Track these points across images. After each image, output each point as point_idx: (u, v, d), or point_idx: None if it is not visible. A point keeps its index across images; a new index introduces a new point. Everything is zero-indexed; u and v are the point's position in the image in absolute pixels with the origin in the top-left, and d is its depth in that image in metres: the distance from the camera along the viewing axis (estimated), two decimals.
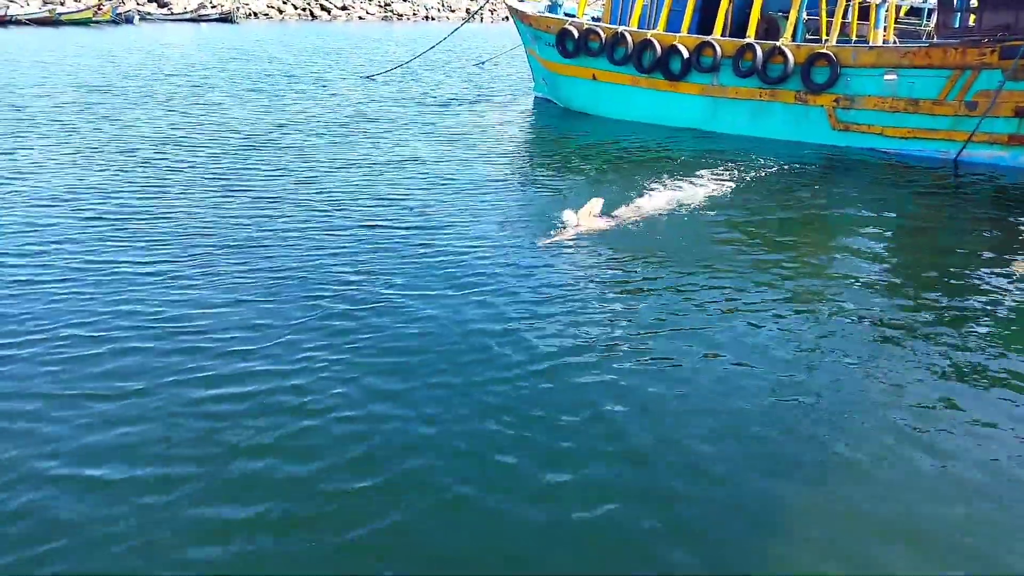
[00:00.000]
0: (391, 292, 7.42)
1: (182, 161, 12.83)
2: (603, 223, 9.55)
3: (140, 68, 25.99)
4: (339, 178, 12.00)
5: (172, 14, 60.56)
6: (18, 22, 50.71)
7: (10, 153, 13.10)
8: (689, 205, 10.91)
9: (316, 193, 11.05)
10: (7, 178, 11.44)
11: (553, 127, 17.97)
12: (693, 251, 8.98)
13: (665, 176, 12.58)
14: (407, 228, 9.52)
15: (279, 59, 30.25)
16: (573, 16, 19.49)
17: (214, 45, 37.06)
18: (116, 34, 46.26)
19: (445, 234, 9.29)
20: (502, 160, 13.97)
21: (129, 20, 55.54)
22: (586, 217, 9.55)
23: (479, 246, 8.86)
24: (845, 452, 5.10)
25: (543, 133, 17.51)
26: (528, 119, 19.22)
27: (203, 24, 57.95)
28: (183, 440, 5.01)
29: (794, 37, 16.17)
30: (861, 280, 8.21)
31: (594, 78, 18.47)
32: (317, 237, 9.07)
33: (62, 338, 6.35)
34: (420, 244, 8.92)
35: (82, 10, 53.02)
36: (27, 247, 8.50)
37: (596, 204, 9.93)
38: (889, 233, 10.47)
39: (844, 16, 16.77)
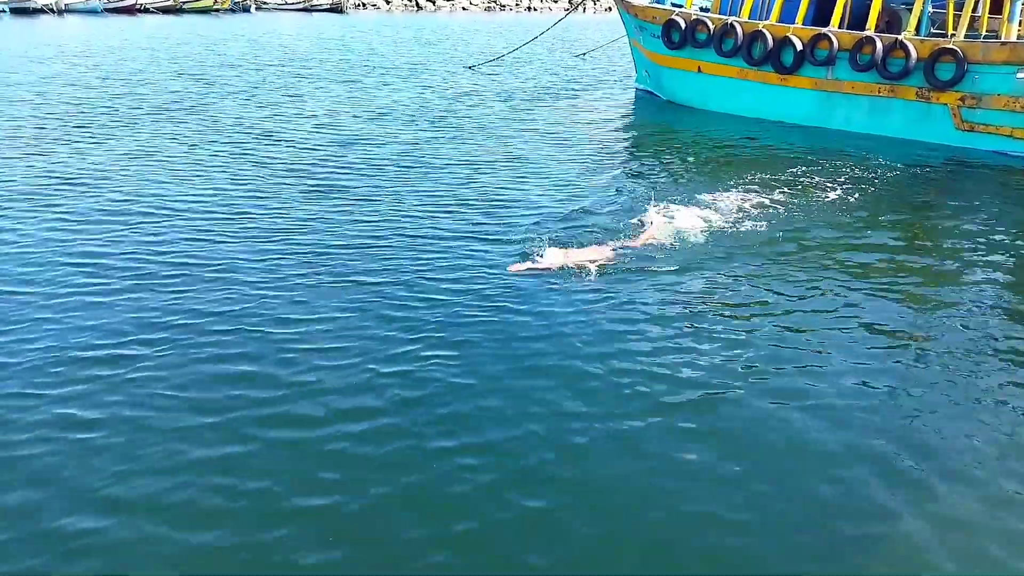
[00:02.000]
0: (494, 299, 7.33)
1: (278, 155, 13.02)
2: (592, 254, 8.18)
3: (252, 56, 27.12)
4: (437, 175, 11.95)
5: (286, 3, 62.93)
6: (146, 10, 53.86)
7: (117, 138, 13.90)
8: (796, 209, 10.34)
9: (410, 189, 10.99)
10: (103, 166, 12.13)
11: (655, 120, 17.64)
12: (797, 263, 8.33)
13: (771, 175, 12.13)
14: (499, 228, 9.28)
15: (382, 49, 30.95)
16: (681, 7, 19.05)
17: (322, 35, 38.28)
18: (233, 22, 48.44)
19: (538, 230, 9.15)
20: (600, 154, 13.82)
21: (246, 9, 58.09)
22: (567, 256, 8.06)
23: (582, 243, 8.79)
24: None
25: (644, 127, 17.21)
26: (629, 112, 18.94)
27: (314, 13, 59.94)
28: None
29: (918, 31, 15.26)
30: (985, 303, 7.49)
31: (700, 70, 18.01)
32: (410, 235, 8.91)
33: (169, 339, 6.64)
34: (515, 245, 8.88)
35: None
36: (135, 240, 8.99)
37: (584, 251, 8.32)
38: (1020, 247, 9.67)
39: (974, 9, 15.69)
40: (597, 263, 7.93)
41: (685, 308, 7.03)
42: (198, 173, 11.48)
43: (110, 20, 50.96)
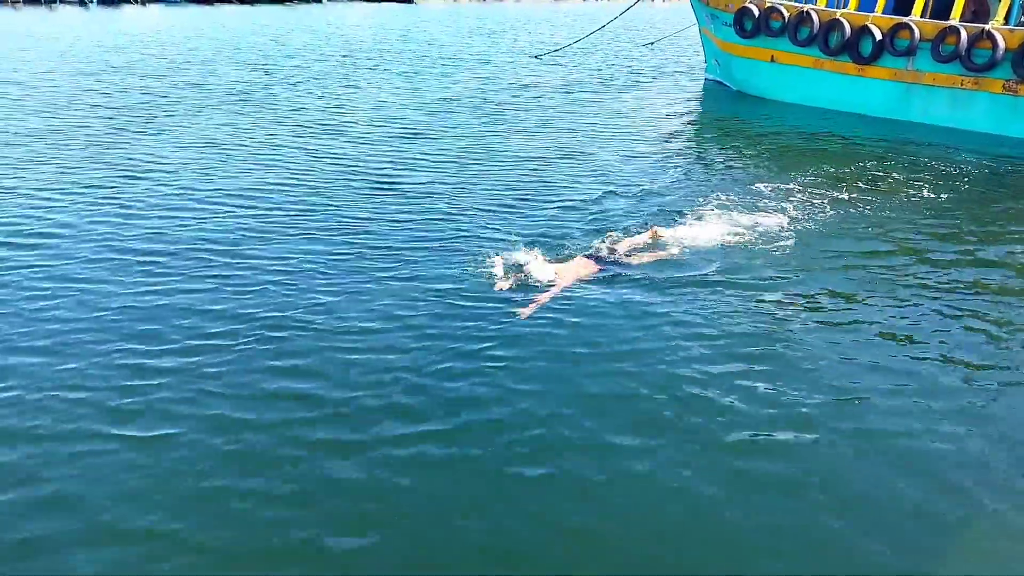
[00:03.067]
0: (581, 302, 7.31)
1: (337, 147, 13.13)
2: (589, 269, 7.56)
3: (317, 47, 27.63)
4: (496, 169, 11.88)
5: None
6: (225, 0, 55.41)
7: (184, 128, 14.36)
8: (869, 210, 9.84)
9: (469, 183, 10.94)
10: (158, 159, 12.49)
11: (724, 112, 17.32)
12: (869, 273, 7.75)
13: (844, 170, 11.77)
14: (556, 228, 9.10)
15: (446, 39, 31.13)
16: None
17: (387, 25, 38.68)
18: (304, 12, 49.43)
19: (592, 229, 9.02)
20: (665, 147, 13.63)
21: None
22: (570, 273, 7.43)
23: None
24: None
25: (712, 118, 16.91)
26: (697, 103, 18.64)
27: (383, 3, 60.67)
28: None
29: (1007, 20, 14.56)
30: None
31: (773, 60, 17.58)
32: (464, 233, 8.77)
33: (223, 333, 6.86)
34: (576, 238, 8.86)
35: None
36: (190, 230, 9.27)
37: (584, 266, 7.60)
38: None
39: None
40: (636, 263, 7.70)
41: (745, 323, 6.63)
42: (260, 165, 11.68)
43: (190, 9, 52.69)
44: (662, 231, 8.48)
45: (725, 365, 5.83)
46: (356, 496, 4.43)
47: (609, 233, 8.52)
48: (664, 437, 4.93)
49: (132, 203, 9.69)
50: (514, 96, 18.14)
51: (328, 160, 12.06)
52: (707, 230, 8.68)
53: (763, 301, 6.96)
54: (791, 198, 10.04)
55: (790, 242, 8.43)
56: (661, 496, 4.44)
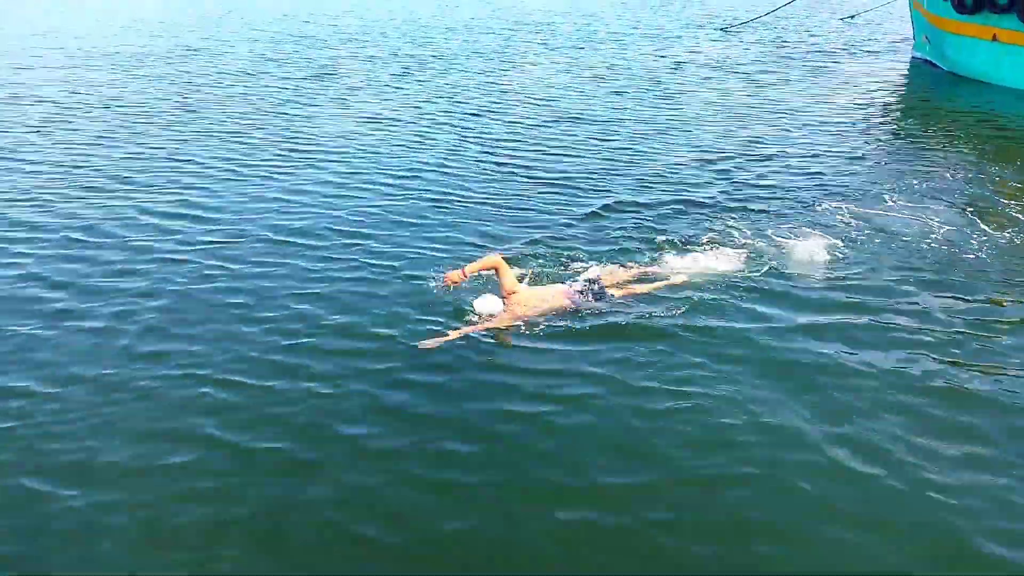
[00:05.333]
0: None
1: (486, 128, 12.87)
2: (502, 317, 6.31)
3: (482, 21, 27.73)
4: (662, 162, 11.31)
5: None
6: None
7: (344, 105, 14.81)
8: None
9: (626, 177, 10.36)
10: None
11: (932, 96, 15.54)
12: None
13: None
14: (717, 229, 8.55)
15: (630, 10, 30.19)
16: None
17: None
18: None
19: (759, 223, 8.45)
20: (858, 137, 12.40)
21: None
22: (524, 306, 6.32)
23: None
24: None
25: (917, 103, 15.22)
26: (901, 85, 16.87)
27: None
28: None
29: None
30: None
31: (995, 39, 15.48)
32: (614, 235, 8.33)
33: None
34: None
35: None
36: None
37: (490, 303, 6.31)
38: None
39: None
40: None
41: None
42: (417, 144, 11.79)
43: None
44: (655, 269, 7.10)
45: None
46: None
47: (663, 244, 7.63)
48: None
49: (295, 177, 10.17)
50: (691, 76, 17.25)
51: (480, 141, 11.95)
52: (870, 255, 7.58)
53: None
54: (997, 210, 8.74)
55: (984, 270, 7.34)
56: None
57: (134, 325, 6.35)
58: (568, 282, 6.61)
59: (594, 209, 8.89)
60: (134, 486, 4.55)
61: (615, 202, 9.11)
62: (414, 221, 8.58)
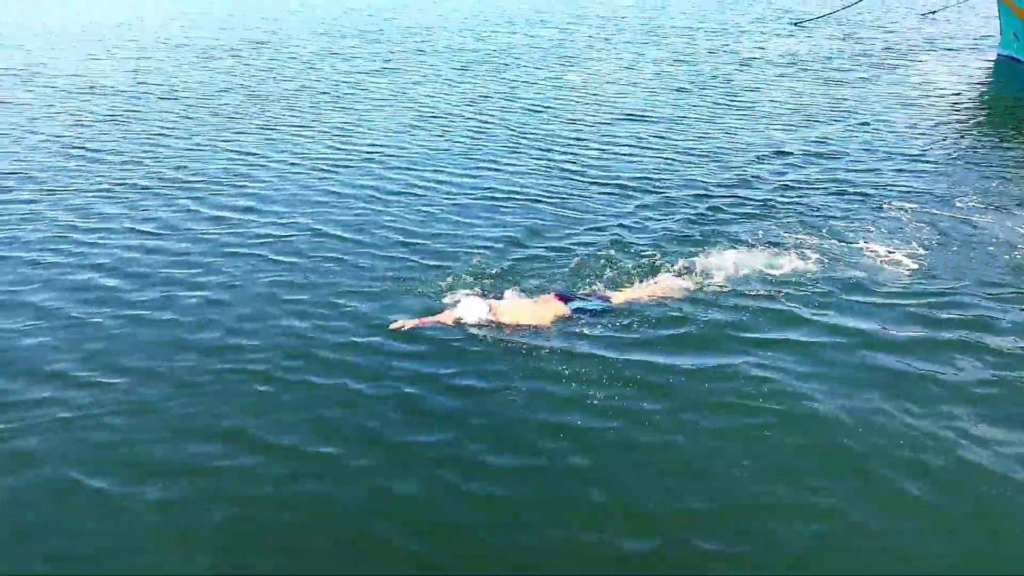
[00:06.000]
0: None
1: (558, 129, 12.87)
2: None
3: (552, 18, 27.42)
4: (723, 164, 11.05)
5: None
6: None
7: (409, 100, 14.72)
8: None
9: (687, 180, 10.19)
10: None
11: (1019, 96, 14.65)
12: None
13: None
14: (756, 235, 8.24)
15: (696, 4, 29.47)
16: None
17: None
18: None
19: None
20: (945, 133, 11.79)
21: None
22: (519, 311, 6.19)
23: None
24: None
25: (1004, 105, 14.37)
26: (985, 84, 15.99)
27: None
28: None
29: None
30: None
31: None
32: (666, 241, 8.24)
33: None
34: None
35: None
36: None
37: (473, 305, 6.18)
38: None
39: None
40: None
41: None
42: (469, 143, 11.67)
43: None
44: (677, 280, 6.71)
45: None
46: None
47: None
48: None
49: (352, 172, 10.20)
50: (759, 72, 16.70)
51: (538, 139, 11.74)
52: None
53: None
54: None
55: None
56: None
57: (189, 317, 6.40)
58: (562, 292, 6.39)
59: (652, 210, 8.65)
60: (168, 482, 4.54)
61: (673, 202, 8.88)
62: (467, 220, 8.47)
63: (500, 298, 6.31)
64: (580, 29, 23.41)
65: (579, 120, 12.86)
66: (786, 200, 8.91)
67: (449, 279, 6.88)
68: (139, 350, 5.90)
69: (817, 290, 6.58)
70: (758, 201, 8.88)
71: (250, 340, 6.01)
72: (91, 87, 15.50)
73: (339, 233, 8.10)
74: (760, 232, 7.88)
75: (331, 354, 5.80)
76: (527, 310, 6.15)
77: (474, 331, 5.98)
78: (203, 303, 6.65)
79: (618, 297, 6.41)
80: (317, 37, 22.14)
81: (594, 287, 6.62)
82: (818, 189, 9.30)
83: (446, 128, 12.41)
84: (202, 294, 6.79)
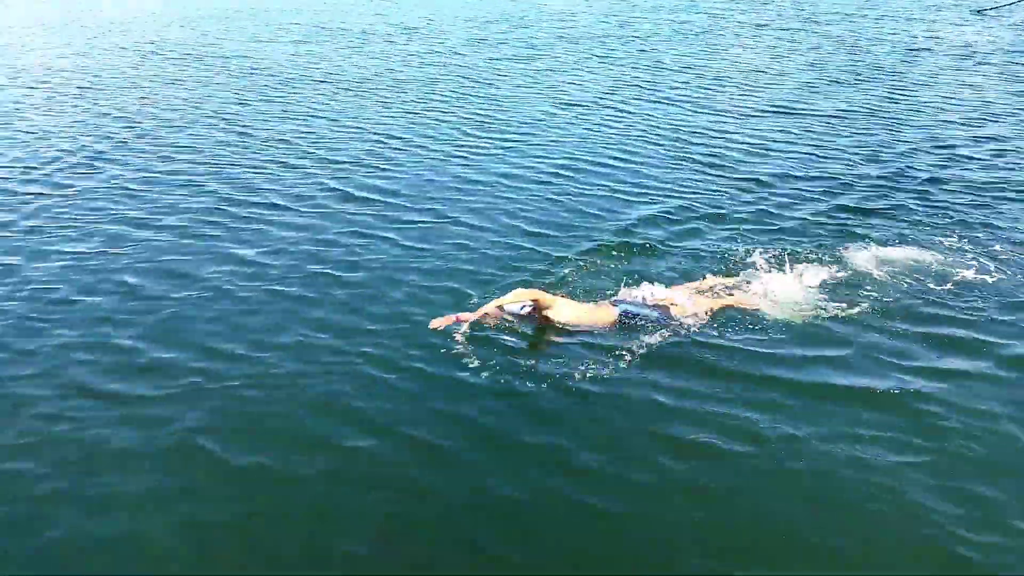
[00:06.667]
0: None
1: (695, 119, 12.34)
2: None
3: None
4: (837, 161, 10.31)
5: None
6: None
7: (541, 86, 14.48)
8: None
9: (832, 172, 9.66)
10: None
11: None
12: None
13: None
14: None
15: None
16: None
17: None
18: None
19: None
20: None
21: None
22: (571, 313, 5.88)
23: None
24: None
25: None
26: None
27: None
28: None
29: None
30: None
31: None
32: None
33: None
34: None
35: None
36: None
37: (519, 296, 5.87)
38: None
39: None
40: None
41: None
42: (603, 134, 11.38)
43: None
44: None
45: None
46: None
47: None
48: None
49: (491, 159, 10.24)
50: (931, 63, 15.27)
51: (676, 132, 11.32)
52: None
53: None
54: None
55: None
56: None
57: (324, 294, 6.64)
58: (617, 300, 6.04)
59: (798, 213, 8.13)
60: (297, 458, 4.72)
61: (821, 205, 8.30)
62: (595, 212, 8.32)
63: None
64: (731, 15, 22.34)
65: (723, 112, 12.29)
66: (947, 205, 8.15)
67: (567, 270, 6.83)
68: (277, 327, 6.16)
69: (978, 309, 5.96)
70: (921, 206, 8.18)
71: (376, 324, 6.15)
72: (252, 68, 16.48)
73: (470, 220, 8.17)
74: (925, 237, 7.26)
75: (443, 342, 5.74)
76: (581, 313, 5.90)
77: (596, 334, 5.84)
78: (332, 282, 6.87)
79: (706, 303, 6.05)
80: (465, 23, 22.46)
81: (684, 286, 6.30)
82: (997, 197, 8.42)
83: (583, 116, 12.23)
84: (334, 274, 7.03)
